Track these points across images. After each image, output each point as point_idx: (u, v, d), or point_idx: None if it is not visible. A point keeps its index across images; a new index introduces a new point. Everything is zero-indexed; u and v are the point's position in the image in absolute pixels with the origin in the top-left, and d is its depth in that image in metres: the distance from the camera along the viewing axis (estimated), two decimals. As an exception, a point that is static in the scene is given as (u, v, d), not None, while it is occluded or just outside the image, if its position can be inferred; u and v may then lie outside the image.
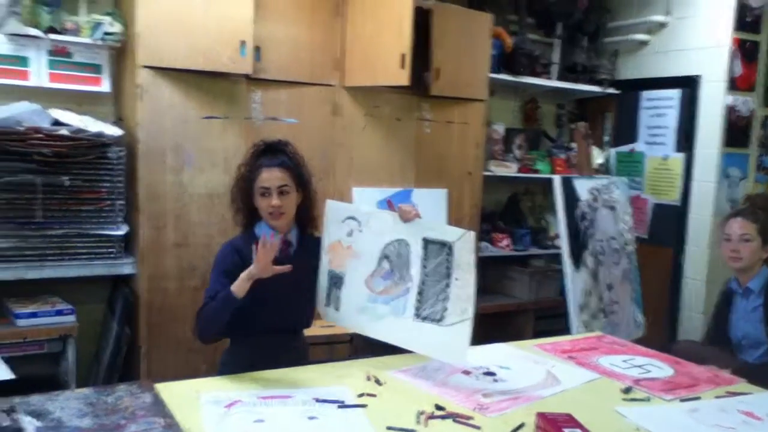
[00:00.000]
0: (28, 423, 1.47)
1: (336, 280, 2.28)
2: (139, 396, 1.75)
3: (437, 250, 2.12)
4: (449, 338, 2.07)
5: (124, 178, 2.96)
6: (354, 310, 2.24)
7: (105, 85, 3.12)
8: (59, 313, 2.80)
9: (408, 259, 2.18)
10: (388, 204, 3.47)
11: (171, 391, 1.81)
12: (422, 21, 3.45)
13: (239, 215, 2.31)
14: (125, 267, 3.00)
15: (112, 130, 2.92)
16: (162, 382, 1.87)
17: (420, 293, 2.14)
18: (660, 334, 4.30)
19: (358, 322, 2.25)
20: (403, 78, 3.15)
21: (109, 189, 2.92)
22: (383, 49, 3.23)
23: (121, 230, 2.96)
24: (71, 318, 2.83)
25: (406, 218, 2.19)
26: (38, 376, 2.77)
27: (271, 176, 2.19)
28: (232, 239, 2.32)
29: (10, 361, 2.37)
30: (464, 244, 2.08)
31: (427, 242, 2.15)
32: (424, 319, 2.12)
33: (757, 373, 2.37)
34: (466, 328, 2.05)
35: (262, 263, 2.03)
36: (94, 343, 3.20)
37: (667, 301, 4.37)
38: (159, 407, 1.69)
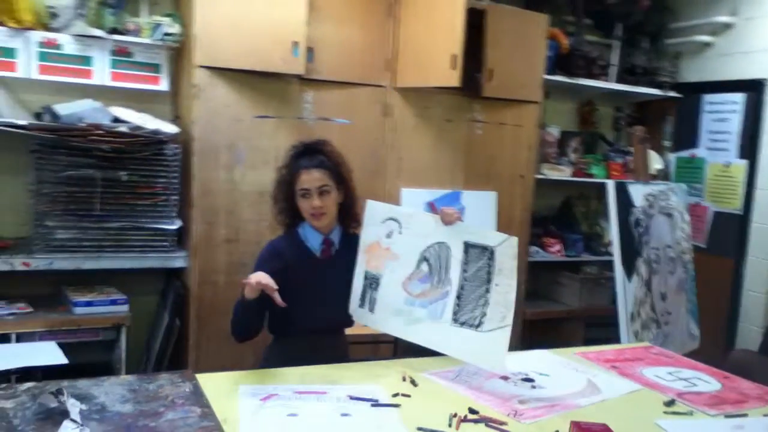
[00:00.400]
0: (73, 405, 1.54)
1: (372, 281, 2.29)
2: (180, 385, 1.81)
3: (478, 254, 2.12)
4: (487, 345, 2.05)
5: (179, 174, 3.05)
6: (389, 312, 2.25)
7: (163, 84, 3.23)
8: (114, 302, 2.92)
9: (448, 262, 2.17)
10: (431, 207, 3.46)
11: (211, 382, 1.87)
12: (476, 22, 3.43)
13: (282, 215, 2.35)
14: (177, 260, 3.10)
15: (169, 128, 3.02)
16: (203, 373, 1.93)
17: (459, 297, 2.13)
18: (717, 346, 4.15)
19: (393, 324, 2.25)
20: (453, 79, 3.14)
21: (164, 184, 3.02)
22: (435, 50, 3.23)
23: (175, 225, 3.06)
24: (125, 308, 2.94)
25: (447, 221, 2.18)
26: (93, 362, 2.90)
27: (310, 177, 2.22)
28: (275, 240, 2.36)
29: (66, 347, 2.49)
30: (506, 249, 2.07)
31: (468, 246, 2.14)
32: (462, 324, 2.11)
33: None
34: (505, 335, 2.03)
35: (254, 286, 2.03)
36: (146, 333, 3.32)
37: (725, 313, 4.21)
38: (197, 397, 1.75)
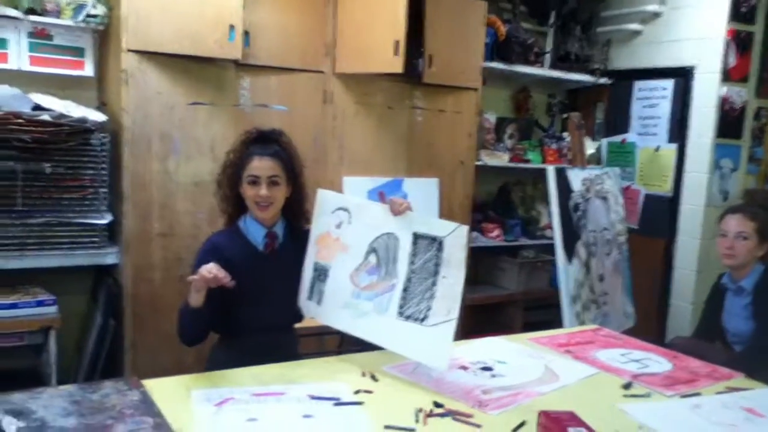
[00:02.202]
0: (9, 423, 1.39)
1: (321, 273, 2.20)
2: (127, 394, 1.68)
3: (426, 245, 2.05)
4: (430, 340, 1.98)
5: (107, 165, 2.86)
6: (337, 305, 2.16)
7: (88, 69, 3.01)
8: (40, 304, 2.70)
9: (396, 254, 2.09)
10: (380, 196, 3.40)
11: (160, 389, 1.74)
12: (415, 7, 3.37)
13: (224, 203, 2.23)
14: (109, 257, 2.91)
15: (96, 116, 2.82)
16: (151, 379, 1.80)
17: (405, 290, 2.05)
18: (651, 324, 4.29)
19: (339, 318, 2.16)
20: (397, 65, 3.08)
21: (92, 176, 2.83)
22: (376, 36, 3.15)
23: (105, 219, 2.87)
24: (53, 309, 2.72)
25: (396, 211, 2.11)
26: (17, 369, 2.69)
27: (262, 165, 2.11)
28: (214, 235, 2.23)
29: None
30: (455, 239, 2.00)
31: (416, 237, 2.07)
32: (407, 318, 2.03)
33: (746, 361, 2.35)
34: (450, 330, 1.96)
35: (201, 282, 1.92)
36: (77, 335, 3.11)
37: (658, 291, 4.36)
38: (148, 406, 1.62)
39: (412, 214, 2.11)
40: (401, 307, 2.05)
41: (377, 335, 2.09)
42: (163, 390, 1.74)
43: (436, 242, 2.03)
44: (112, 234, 2.95)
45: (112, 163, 2.88)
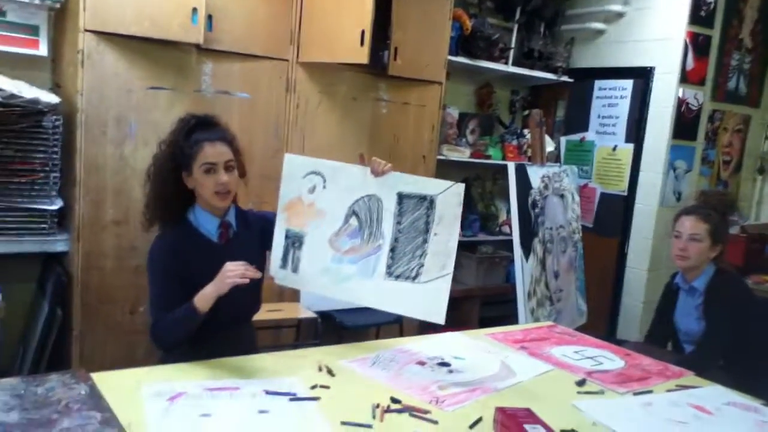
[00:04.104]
0: (-52, 419, 1.33)
1: (295, 240, 2.14)
2: (74, 387, 1.62)
3: (414, 204, 2.05)
4: (425, 296, 2.01)
5: (59, 149, 2.77)
6: (316, 271, 2.12)
7: (42, 49, 2.90)
8: (-16, 291, 2.61)
9: (380, 215, 2.08)
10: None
11: (109, 382, 1.69)
12: (382, -2, 3.35)
13: (162, 202, 2.08)
14: (59, 244, 2.82)
15: (49, 98, 2.72)
16: (99, 372, 1.75)
17: (392, 251, 2.06)
18: (602, 321, 4.37)
19: (320, 283, 2.13)
20: (362, 56, 3.05)
21: (43, 160, 2.73)
22: (342, 25, 3.11)
23: (56, 204, 2.78)
24: (-3, 297, 2.63)
25: (379, 171, 2.08)
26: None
27: (216, 151, 2.03)
28: (164, 234, 2.11)
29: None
30: (449, 197, 2.02)
31: (401, 197, 2.06)
32: (398, 277, 2.05)
33: (695, 362, 2.41)
34: (445, 285, 2.00)
35: (229, 282, 1.91)
36: (22, 325, 3.01)
37: (610, 289, 4.44)
38: (96, 400, 1.57)
39: (395, 174, 2.09)
40: (389, 267, 2.06)
41: (364, 297, 2.09)
42: (112, 384, 1.68)
43: (427, 200, 2.03)
44: (62, 220, 2.85)
45: (65, 146, 2.79)
